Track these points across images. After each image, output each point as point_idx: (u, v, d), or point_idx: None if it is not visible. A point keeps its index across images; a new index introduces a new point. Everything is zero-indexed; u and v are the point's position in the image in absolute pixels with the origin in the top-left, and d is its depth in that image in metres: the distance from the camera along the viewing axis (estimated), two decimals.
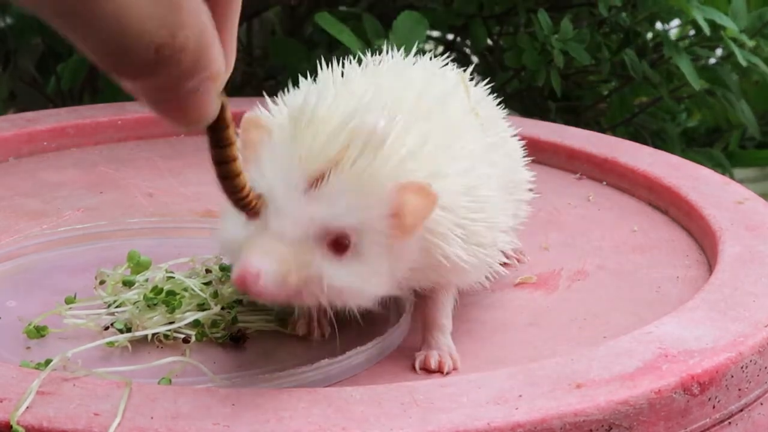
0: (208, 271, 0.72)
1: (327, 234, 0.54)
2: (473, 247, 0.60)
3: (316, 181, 0.54)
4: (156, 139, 1.08)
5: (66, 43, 1.19)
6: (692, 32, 1.52)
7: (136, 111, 1.10)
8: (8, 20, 1.48)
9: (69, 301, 0.69)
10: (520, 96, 1.55)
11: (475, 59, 1.61)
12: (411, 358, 0.63)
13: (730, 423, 0.58)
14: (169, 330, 0.65)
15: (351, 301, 0.56)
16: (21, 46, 1.52)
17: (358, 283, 0.56)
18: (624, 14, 1.44)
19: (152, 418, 0.50)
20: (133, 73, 0.34)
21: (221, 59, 0.37)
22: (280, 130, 0.57)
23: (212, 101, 0.38)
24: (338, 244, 0.55)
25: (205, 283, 0.69)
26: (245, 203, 0.49)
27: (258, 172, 0.55)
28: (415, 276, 0.61)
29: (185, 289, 0.68)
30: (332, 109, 0.56)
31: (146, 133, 1.08)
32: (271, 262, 0.52)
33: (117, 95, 1.40)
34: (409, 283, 0.61)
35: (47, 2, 0.32)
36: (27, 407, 0.50)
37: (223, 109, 0.41)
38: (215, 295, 0.68)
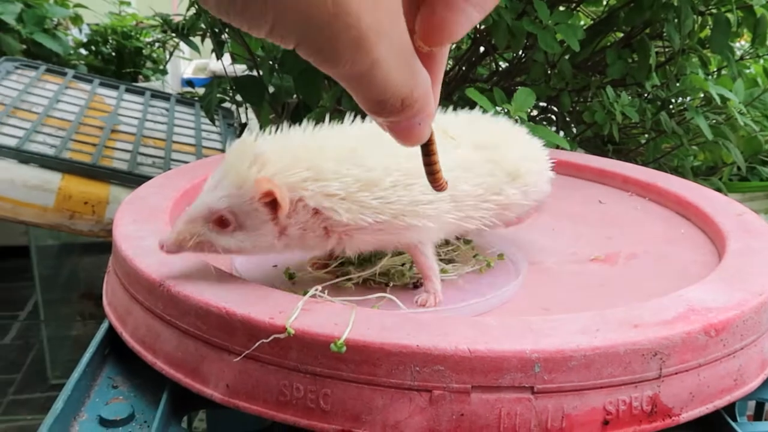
0: None
1: (212, 214, 0.54)
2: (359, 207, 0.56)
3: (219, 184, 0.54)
4: None
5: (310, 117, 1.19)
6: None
7: None
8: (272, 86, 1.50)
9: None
10: (588, 141, 1.51)
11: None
12: (525, 304, 0.62)
13: (734, 356, 0.55)
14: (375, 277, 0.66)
15: (244, 254, 0.55)
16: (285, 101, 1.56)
17: (244, 245, 0.54)
18: (661, 90, 1.39)
19: (368, 329, 0.51)
20: (385, 114, 0.34)
21: (434, 103, 0.37)
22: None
23: (428, 129, 0.38)
24: (221, 221, 0.54)
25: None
26: (438, 183, 0.46)
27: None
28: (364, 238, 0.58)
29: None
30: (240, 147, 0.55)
31: None
32: (170, 235, 0.53)
33: None
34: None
35: (343, 71, 0.32)
36: (295, 317, 0.52)
37: (432, 132, 0.41)
38: None
